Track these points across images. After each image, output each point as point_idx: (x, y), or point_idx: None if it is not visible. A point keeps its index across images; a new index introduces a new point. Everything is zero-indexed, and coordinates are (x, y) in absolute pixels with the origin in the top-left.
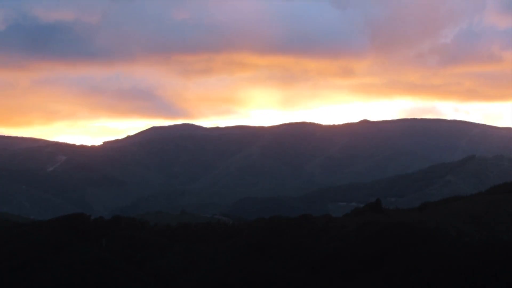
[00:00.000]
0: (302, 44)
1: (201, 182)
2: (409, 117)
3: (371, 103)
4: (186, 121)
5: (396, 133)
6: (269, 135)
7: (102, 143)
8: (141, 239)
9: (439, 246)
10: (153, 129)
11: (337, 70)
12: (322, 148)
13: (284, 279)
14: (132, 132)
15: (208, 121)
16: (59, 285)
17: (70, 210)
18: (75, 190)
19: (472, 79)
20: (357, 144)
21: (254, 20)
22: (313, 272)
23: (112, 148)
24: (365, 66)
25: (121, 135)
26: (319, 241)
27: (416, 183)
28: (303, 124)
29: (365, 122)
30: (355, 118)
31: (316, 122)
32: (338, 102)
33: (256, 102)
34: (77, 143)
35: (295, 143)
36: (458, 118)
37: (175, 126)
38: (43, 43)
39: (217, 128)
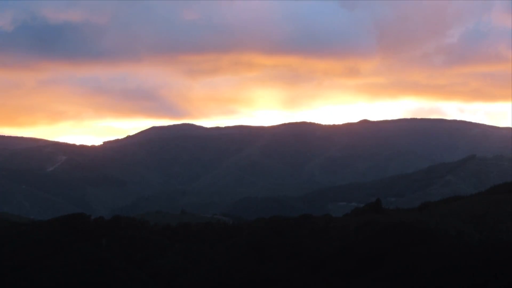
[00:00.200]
0: (309, 44)
1: (201, 182)
2: (414, 117)
3: (376, 103)
4: (190, 121)
5: (396, 133)
6: (269, 135)
7: (102, 143)
8: (141, 239)
9: (439, 246)
10: (153, 129)
11: (343, 70)
12: (322, 148)
13: (284, 279)
14: (134, 132)
15: (211, 121)
16: (59, 285)
17: (70, 210)
18: (75, 190)
19: (478, 79)
20: (357, 144)
21: (262, 20)
22: (313, 272)
23: (112, 148)
24: (371, 66)
25: (121, 135)
26: (319, 241)
27: (416, 183)
28: (303, 124)
29: (365, 122)
30: (358, 118)
31: (316, 122)
32: (342, 102)
33: (259, 102)
34: (77, 143)
35: (295, 143)
36: (460, 118)
37: (175, 126)
38: (50, 43)
39: (217, 128)
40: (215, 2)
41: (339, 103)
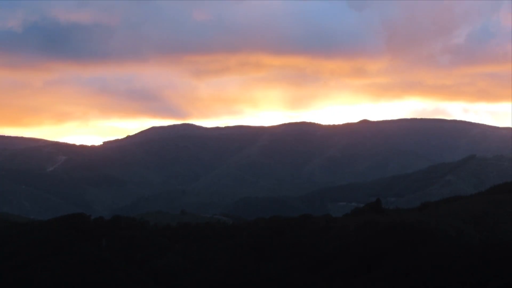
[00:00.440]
0: (317, 45)
1: (201, 182)
2: (419, 117)
3: (382, 103)
4: (194, 122)
5: (396, 133)
6: (269, 135)
7: (102, 143)
8: (141, 239)
9: (439, 246)
10: (153, 129)
11: (350, 70)
12: (322, 148)
13: (284, 279)
14: (132, 131)
15: (215, 122)
16: (59, 285)
17: (70, 210)
18: (75, 190)
19: (485, 79)
20: (357, 144)
21: (271, 21)
22: (313, 272)
23: (112, 148)
24: (379, 66)
25: (121, 135)
26: (319, 241)
27: (416, 183)
28: (303, 124)
29: (365, 122)
30: (359, 118)
31: (316, 122)
32: (348, 103)
33: (264, 103)
34: (77, 143)
35: (295, 143)
36: (466, 119)
37: (175, 126)
38: (59, 44)
39: (217, 128)
40: (224, 3)
41: (345, 103)
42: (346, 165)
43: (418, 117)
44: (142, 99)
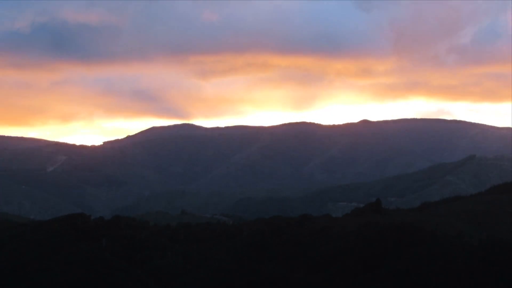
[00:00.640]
0: (324, 45)
1: (201, 182)
2: (424, 117)
3: (386, 104)
4: (197, 122)
5: (396, 133)
6: (269, 135)
7: (102, 143)
8: (141, 239)
9: (439, 246)
10: (153, 129)
11: (357, 70)
12: (322, 148)
13: (284, 279)
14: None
15: (217, 122)
16: (59, 285)
17: (70, 210)
18: (75, 190)
19: (491, 79)
20: (357, 144)
21: (278, 21)
22: (313, 272)
23: (112, 148)
24: (385, 67)
25: (121, 135)
26: (319, 241)
27: (416, 183)
28: (303, 124)
29: (365, 122)
30: (360, 118)
31: (316, 122)
32: (353, 103)
33: (267, 103)
34: (77, 143)
35: (295, 143)
36: (469, 119)
37: (175, 126)
38: (66, 44)
39: (217, 128)
40: (231, 3)
41: (350, 103)
42: (346, 165)
43: (424, 117)
44: (147, 100)
